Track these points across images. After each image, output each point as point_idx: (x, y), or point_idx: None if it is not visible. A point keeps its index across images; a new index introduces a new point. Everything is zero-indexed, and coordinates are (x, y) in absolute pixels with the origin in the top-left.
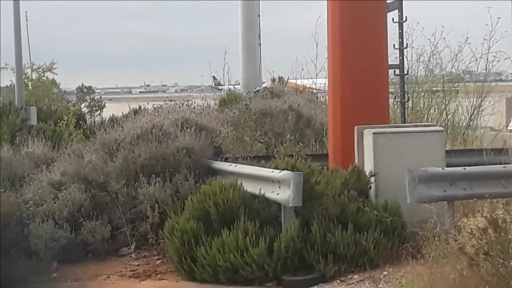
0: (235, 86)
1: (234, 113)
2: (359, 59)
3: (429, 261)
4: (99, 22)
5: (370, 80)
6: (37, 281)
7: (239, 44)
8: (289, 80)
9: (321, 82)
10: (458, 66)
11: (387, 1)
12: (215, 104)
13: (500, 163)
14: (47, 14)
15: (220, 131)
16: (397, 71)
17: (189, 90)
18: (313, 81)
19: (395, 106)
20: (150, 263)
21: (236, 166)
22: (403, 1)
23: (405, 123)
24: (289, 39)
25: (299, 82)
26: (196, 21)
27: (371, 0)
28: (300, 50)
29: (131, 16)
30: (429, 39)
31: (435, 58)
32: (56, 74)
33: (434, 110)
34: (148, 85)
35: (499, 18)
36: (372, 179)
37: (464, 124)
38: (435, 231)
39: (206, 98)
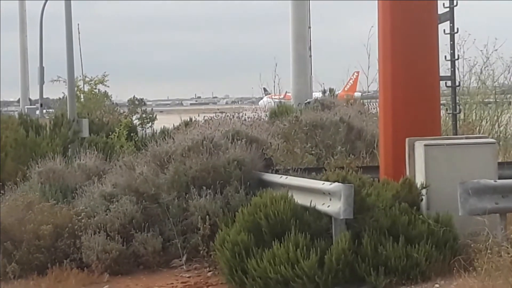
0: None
1: (285, 125)
2: (410, 70)
3: (481, 273)
4: (150, 33)
5: (421, 91)
6: None
7: (290, 55)
8: (287, 94)
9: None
10: (510, 78)
11: (439, 13)
12: (266, 116)
13: None
14: (98, 25)
15: (270, 143)
16: (449, 83)
17: (239, 102)
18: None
19: (447, 118)
20: (201, 275)
21: (286, 178)
22: (455, 13)
23: (456, 135)
24: (341, 49)
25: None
26: (247, 32)
27: (422, 11)
28: (352, 61)
29: (182, 27)
30: (481, 50)
31: (487, 69)
32: (108, 86)
33: (486, 122)
34: (199, 97)
35: None
36: (424, 191)
37: None
38: (487, 243)
39: (256, 110)
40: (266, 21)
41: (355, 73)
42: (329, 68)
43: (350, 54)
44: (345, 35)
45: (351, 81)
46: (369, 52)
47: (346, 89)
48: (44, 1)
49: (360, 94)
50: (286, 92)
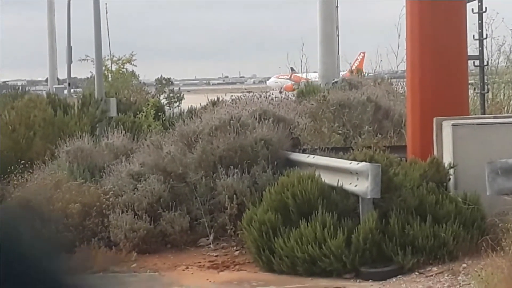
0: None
1: (312, 104)
2: (438, 50)
3: (509, 253)
4: (177, 13)
5: (449, 71)
6: (117, 271)
7: (317, 35)
8: (294, 74)
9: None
10: None
11: None
12: (293, 95)
13: None
14: (126, 5)
15: (298, 122)
16: (477, 62)
17: (267, 82)
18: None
19: (475, 98)
20: (228, 254)
21: (314, 157)
22: None
23: (484, 114)
24: (371, 29)
25: (306, 76)
26: (275, 11)
27: None
28: (381, 41)
29: (209, 6)
30: (510, 29)
31: None
32: (135, 66)
33: None
34: (227, 77)
35: None
36: (451, 171)
37: None
38: None
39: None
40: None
41: (361, 54)
42: (358, 48)
43: (380, 34)
44: (375, 15)
45: (357, 61)
46: (399, 32)
47: (352, 69)
48: None
49: (366, 74)
50: (292, 72)
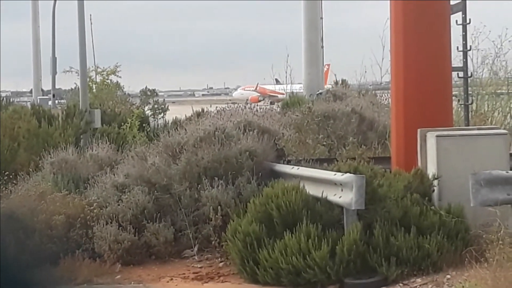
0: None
1: (297, 115)
2: (422, 61)
3: (493, 264)
4: (161, 23)
5: (433, 82)
6: (101, 283)
7: (302, 46)
8: (259, 86)
9: (292, 88)
10: None
11: (451, 3)
12: (278, 106)
13: None
14: (109, 14)
15: (282, 133)
16: (461, 74)
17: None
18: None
19: (459, 109)
20: (213, 266)
21: (298, 169)
22: (467, 3)
23: (468, 126)
24: (354, 40)
25: (271, 87)
26: (259, 22)
27: (434, 1)
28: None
29: (193, 17)
30: (493, 41)
31: (500, 60)
32: (120, 77)
33: (498, 113)
34: (211, 88)
35: None
36: (435, 182)
37: None
38: (499, 234)
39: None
40: (277, 10)
41: (326, 66)
42: (342, 59)
43: (363, 45)
44: (359, 26)
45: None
46: (384, 43)
47: None
48: None
49: (330, 86)
50: (257, 84)
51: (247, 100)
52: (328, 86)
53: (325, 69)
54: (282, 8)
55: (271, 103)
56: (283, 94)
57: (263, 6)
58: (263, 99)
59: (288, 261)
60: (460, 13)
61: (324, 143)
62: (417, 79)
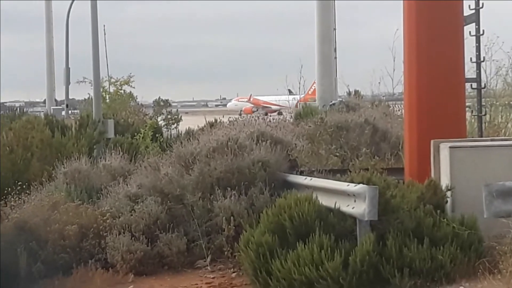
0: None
1: (310, 126)
2: (435, 72)
3: (506, 276)
4: (175, 34)
5: (446, 93)
6: None
7: (315, 57)
8: (253, 97)
9: (285, 99)
10: None
11: (464, 15)
12: (291, 117)
13: None
14: (124, 27)
15: (295, 144)
16: (474, 85)
17: (227, 104)
18: (277, 99)
19: (472, 120)
20: (225, 276)
21: (311, 179)
22: (481, 14)
23: (482, 137)
24: (367, 52)
25: (264, 98)
26: (272, 33)
27: (448, 13)
28: (377, 63)
29: (207, 29)
30: (507, 52)
31: None
32: (133, 87)
33: None
34: (224, 98)
35: None
36: (449, 193)
37: None
38: None
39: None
40: (291, 22)
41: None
42: (354, 70)
43: (375, 57)
44: (371, 37)
45: (314, 85)
46: (394, 55)
47: (310, 92)
48: (70, 2)
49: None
50: (251, 95)
51: (240, 111)
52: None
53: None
54: (295, 20)
55: (265, 114)
56: (276, 105)
57: (277, 19)
58: (257, 110)
59: (301, 272)
60: (474, 24)
61: (337, 153)
62: (430, 90)
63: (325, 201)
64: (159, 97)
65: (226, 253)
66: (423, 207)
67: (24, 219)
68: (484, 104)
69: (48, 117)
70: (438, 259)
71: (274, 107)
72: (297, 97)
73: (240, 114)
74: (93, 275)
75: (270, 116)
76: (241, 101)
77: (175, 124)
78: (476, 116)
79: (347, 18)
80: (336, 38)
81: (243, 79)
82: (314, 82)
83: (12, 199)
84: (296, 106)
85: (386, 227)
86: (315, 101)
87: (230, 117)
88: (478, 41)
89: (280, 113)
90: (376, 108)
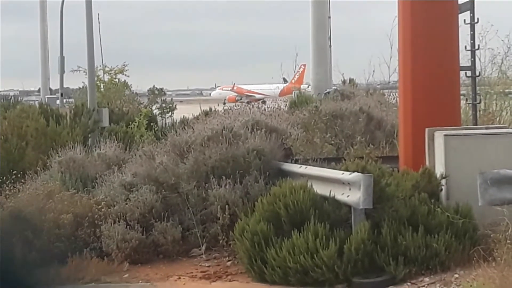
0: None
1: (305, 115)
2: (430, 60)
3: (500, 264)
4: (169, 22)
5: (441, 81)
6: (109, 281)
7: (310, 46)
8: (236, 86)
9: (269, 87)
10: None
11: (459, 2)
12: (286, 106)
13: None
14: (118, 14)
15: (290, 133)
16: (469, 73)
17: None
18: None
19: (467, 108)
20: (220, 264)
21: (306, 168)
22: (475, 2)
23: (476, 125)
24: (363, 40)
25: (248, 87)
26: (267, 21)
27: (442, 0)
28: (374, 52)
29: (201, 17)
30: (502, 40)
31: (509, 59)
32: (128, 76)
33: (507, 113)
34: (219, 87)
35: None
36: (443, 182)
37: None
38: (506, 233)
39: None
40: (286, 10)
41: (302, 66)
42: (350, 58)
43: (371, 44)
44: (367, 26)
45: (298, 74)
46: (392, 42)
47: (293, 81)
48: None
49: (307, 86)
50: (234, 84)
51: (225, 99)
52: (304, 85)
53: (300, 69)
54: (291, 8)
55: (248, 102)
56: (260, 93)
57: (272, 7)
58: (240, 99)
59: (295, 260)
60: (468, 12)
61: (332, 142)
62: (425, 78)
63: (320, 189)
64: (154, 86)
65: (221, 241)
66: (417, 195)
67: (19, 208)
68: (478, 92)
69: (42, 106)
70: (432, 247)
71: (257, 96)
72: (280, 86)
73: (225, 103)
74: (88, 263)
75: (265, 104)
76: (225, 90)
77: (170, 113)
78: (470, 104)
79: (343, 6)
80: (331, 26)
81: (238, 67)
82: (301, 67)
83: (7, 188)
84: (280, 94)
85: (381, 215)
86: (298, 89)
87: (224, 105)
88: (472, 29)
89: (264, 102)
90: (371, 97)
